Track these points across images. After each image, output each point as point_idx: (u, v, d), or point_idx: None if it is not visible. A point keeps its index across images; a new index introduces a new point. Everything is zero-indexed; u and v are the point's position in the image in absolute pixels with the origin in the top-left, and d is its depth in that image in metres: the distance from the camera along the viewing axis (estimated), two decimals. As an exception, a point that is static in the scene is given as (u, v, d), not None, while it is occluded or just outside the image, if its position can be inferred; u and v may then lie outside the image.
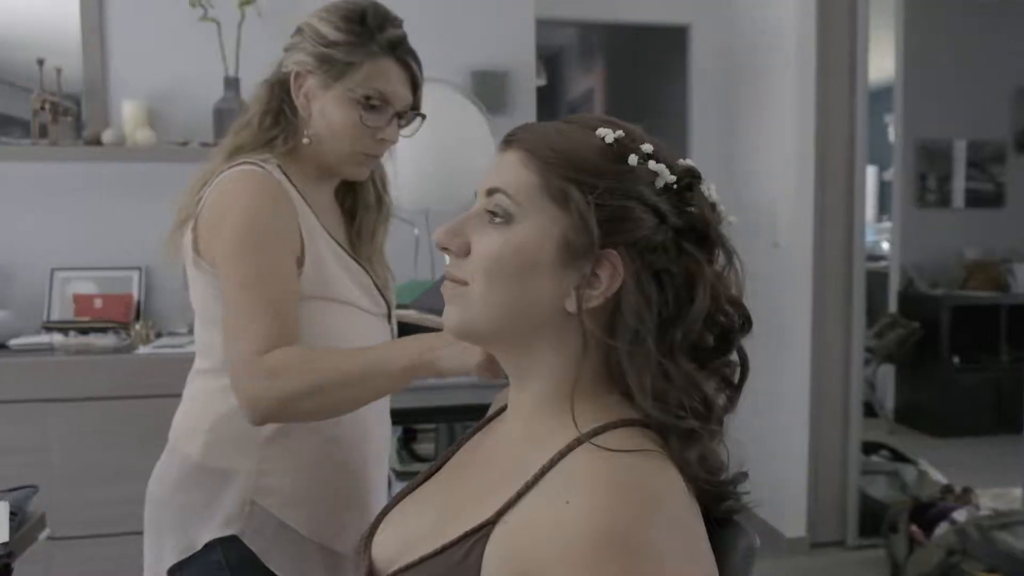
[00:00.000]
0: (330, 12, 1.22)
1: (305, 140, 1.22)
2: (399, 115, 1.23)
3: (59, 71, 2.54)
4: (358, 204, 1.33)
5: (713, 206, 0.76)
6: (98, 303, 2.58)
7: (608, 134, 0.74)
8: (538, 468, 0.71)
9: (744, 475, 0.78)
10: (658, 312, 0.72)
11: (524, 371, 0.79)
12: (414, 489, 0.91)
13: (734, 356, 0.79)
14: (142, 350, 2.35)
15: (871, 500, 3.18)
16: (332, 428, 1.17)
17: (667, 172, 0.74)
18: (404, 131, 1.26)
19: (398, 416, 1.47)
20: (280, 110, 1.23)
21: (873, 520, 3.09)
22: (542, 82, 5.06)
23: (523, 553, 0.66)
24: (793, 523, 3.11)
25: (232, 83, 2.56)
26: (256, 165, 1.16)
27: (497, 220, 0.75)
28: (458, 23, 2.79)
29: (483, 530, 0.70)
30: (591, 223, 0.71)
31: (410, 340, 1.01)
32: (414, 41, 1.26)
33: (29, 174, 2.62)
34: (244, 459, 1.16)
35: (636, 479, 0.67)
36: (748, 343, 0.79)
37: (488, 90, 2.77)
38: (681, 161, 0.77)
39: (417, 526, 0.81)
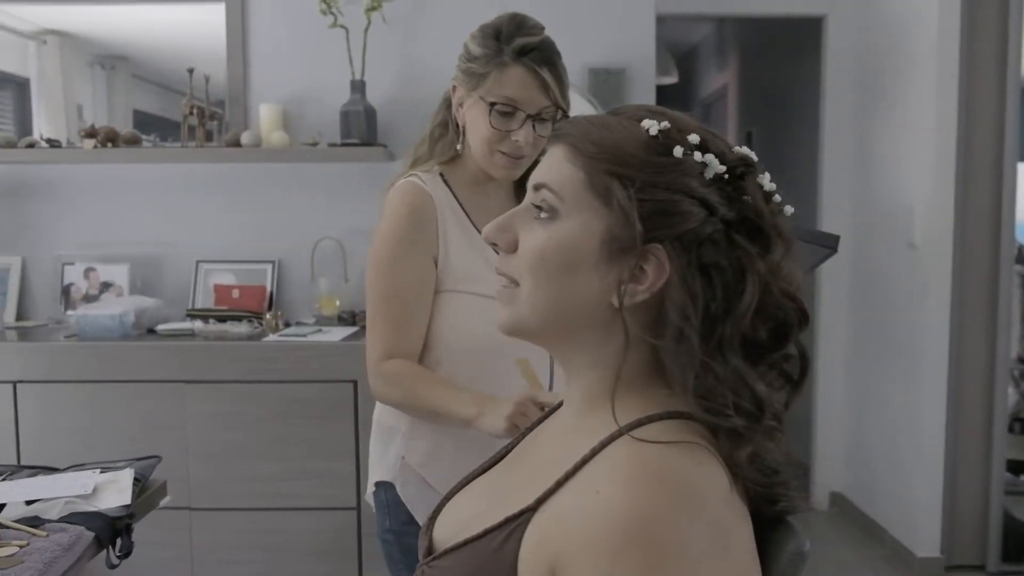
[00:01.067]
0: (479, 29, 1.35)
1: (458, 147, 1.37)
2: (532, 117, 1.30)
3: (207, 79, 2.76)
4: None
5: (768, 196, 0.74)
6: (235, 293, 2.78)
7: (653, 125, 0.73)
8: (579, 459, 0.72)
9: (802, 468, 0.75)
10: (706, 307, 0.70)
11: (573, 365, 0.79)
12: (477, 476, 0.94)
13: (794, 351, 0.76)
14: (270, 338, 2.51)
15: (1017, 523, 2.94)
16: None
17: (716, 162, 0.71)
18: (542, 131, 1.32)
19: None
20: (446, 122, 1.40)
21: (1018, 544, 2.86)
22: (672, 79, 5.00)
23: (552, 542, 0.67)
24: (926, 543, 2.92)
25: (358, 86, 2.69)
26: (415, 177, 1.36)
27: (543, 216, 0.75)
28: (576, 19, 2.80)
29: (522, 516, 0.71)
30: (633, 217, 0.70)
31: (470, 397, 1.25)
32: None
33: (180, 174, 2.85)
34: (401, 421, 1.38)
35: (670, 471, 0.65)
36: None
37: (605, 87, 2.76)
38: (737, 149, 0.75)
39: (471, 511, 0.83)
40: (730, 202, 0.72)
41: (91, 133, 2.70)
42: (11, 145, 2.67)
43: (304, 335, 2.52)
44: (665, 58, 4.76)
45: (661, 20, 4.52)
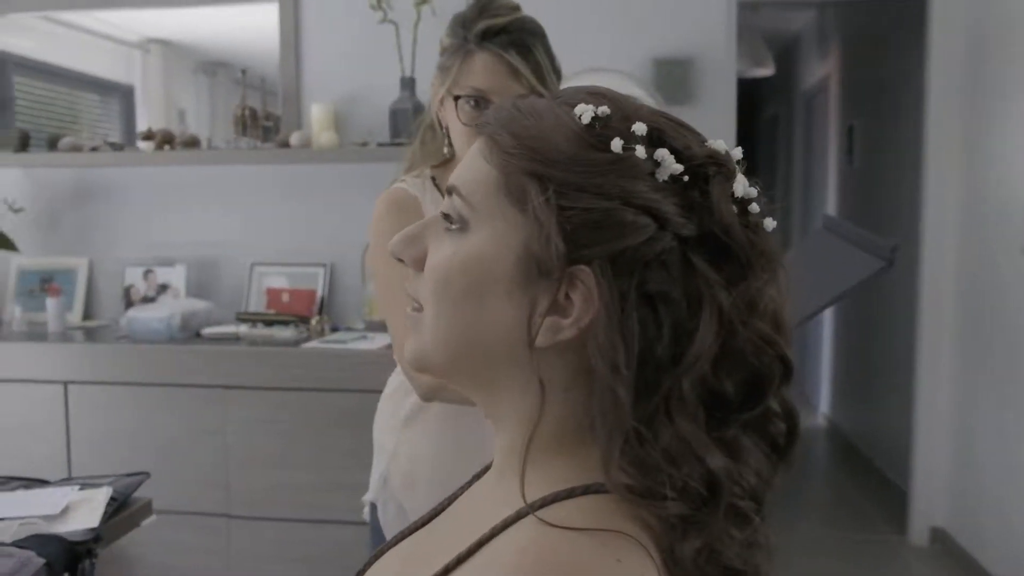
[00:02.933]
0: (452, 19, 1.25)
1: (445, 149, 1.29)
2: None
3: (262, 80, 2.73)
4: None
5: (741, 205, 0.57)
6: (285, 297, 2.74)
7: (587, 111, 0.56)
8: (479, 537, 0.57)
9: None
10: (645, 352, 0.53)
11: (495, 415, 0.63)
12: (408, 535, 0.79)
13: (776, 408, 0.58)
14: (310, 344, 2.44)
15: None
16: (455, 426, 1.26)
17: (671, 159, 0.55)
18: None
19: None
20: (434, 124, 1.32)
21: None
22: (767, 71, 4.68)
23: None
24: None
25: (408, 83, 2.59)
26: (402, 183, 1.31)
27: (453, 226, 0.60)
28: (640, 6, 2.60)
29: None
30: (549, 230, 0.54)
31: None
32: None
33: (236, 176, 2.83)
34: (389, 438, 1.32)
35: (575, 570, 0.50)
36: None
37: (670, 80, 2.55)
38: (711, 144, 0.58)
39: (389, 573, 0.70)
40: (690, 213, 0.55)
41: (149, 136, 2.72)
42: (77, 149, 2.72)
43: (345, 342, 2.44)
44: (759, 48, 4.46)
45: (755, 8, 4.24)
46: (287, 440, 2.37)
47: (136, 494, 1.47)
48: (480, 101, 1.19)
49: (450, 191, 0.61)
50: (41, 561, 1.19)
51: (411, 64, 2.59)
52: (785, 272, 0.61)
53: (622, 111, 0.57)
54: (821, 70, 4.67)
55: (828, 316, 4.71)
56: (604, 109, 0.56)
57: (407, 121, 2.56)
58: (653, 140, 0.56)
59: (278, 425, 2.38)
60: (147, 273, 2.83)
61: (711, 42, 2.61)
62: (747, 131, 6.18)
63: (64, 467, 2.43)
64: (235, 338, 2.52)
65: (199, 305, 2.63)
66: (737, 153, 0.60)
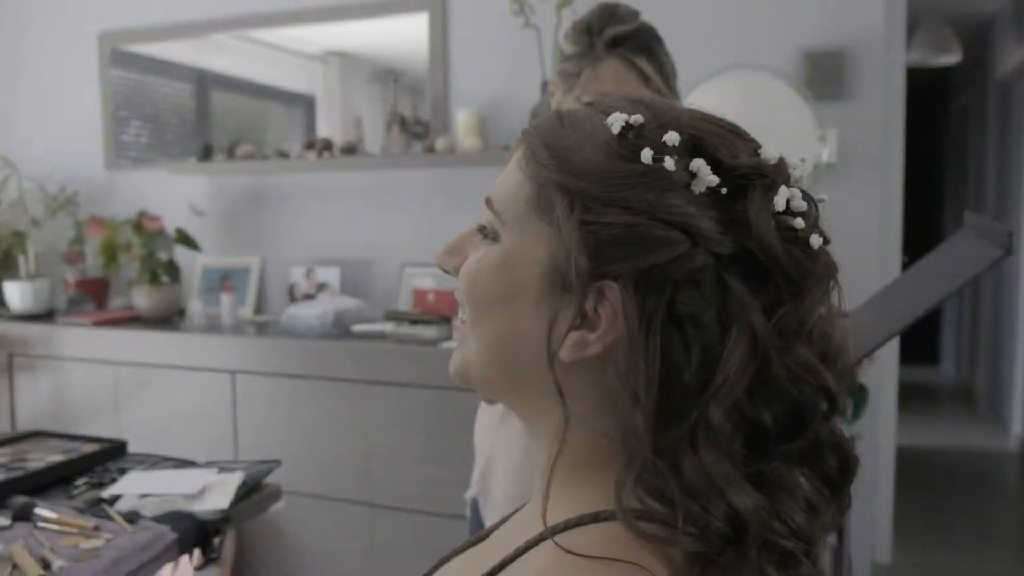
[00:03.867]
0: (572, 26, 1.25)
1: None
2: None
3: (413, 89, 2.84)
4: None
5: (781, 220, 0.52)
6: (431, 297, 2.83)
7: (618, 120, 0.54)
8: (505, 557, 0.57)
9: None
10: (670, 377, 0.51)
11: (533, 431, 0.63)
12: (471, 546, 0.81)
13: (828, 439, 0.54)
14: (449, 344, 2.51)
15: None
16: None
17: (707, 170, 0.52)
18: None
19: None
20: None
21: None
22: (953, 59, 4.29)
23: None
24: None
25: (547, 87, 2.60)
26: None
27: (488, 239, 0.60)
28: None
29: None
30: (570, 244, 0.53)
31: None
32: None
33: (388, 180, 2.97)
34: (487, 435, 1.35)
35: None
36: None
37: (823, 74, 2.40)
38: (764, 152, 0.54)
39: None
40: (727, 229, 0.51)
41: (310, 145, 2.90)
42: (250, 157, 2.96)
43: (481, 342, 2.49)
44: (943, 33, 4.09)
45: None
46: (426, 436, 2.45)
47: (277, 480, 1.59)
48: None
49: (486, 202, 0.61)
50: (174, 536, 1.31)
51: (552, 68, 2.60)
52: (839, 294, 0.57)
53: (659, 119, 0.54)
54: (1019, 55, 4.22)
55: None
56: (637, 117, 0.54)
57: (547, 124, 2.58)
58: (691, 150, 0.53)
59: (418, 421, 2.46)
60: (308, 272, 3.02)
61: (870, 30, 2.43)
62: (931, 124, 5.70)
63: (231, 449, 2.64)
64: (382, 336, 2.64)
65: (351, 303, 2.78)
66: (795, 163, 0.57)
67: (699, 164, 0.52)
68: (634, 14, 1.21)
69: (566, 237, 0.53)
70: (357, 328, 2.68)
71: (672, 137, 0.53)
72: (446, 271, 0.66)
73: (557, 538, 0.52)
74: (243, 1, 3.03)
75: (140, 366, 2.75)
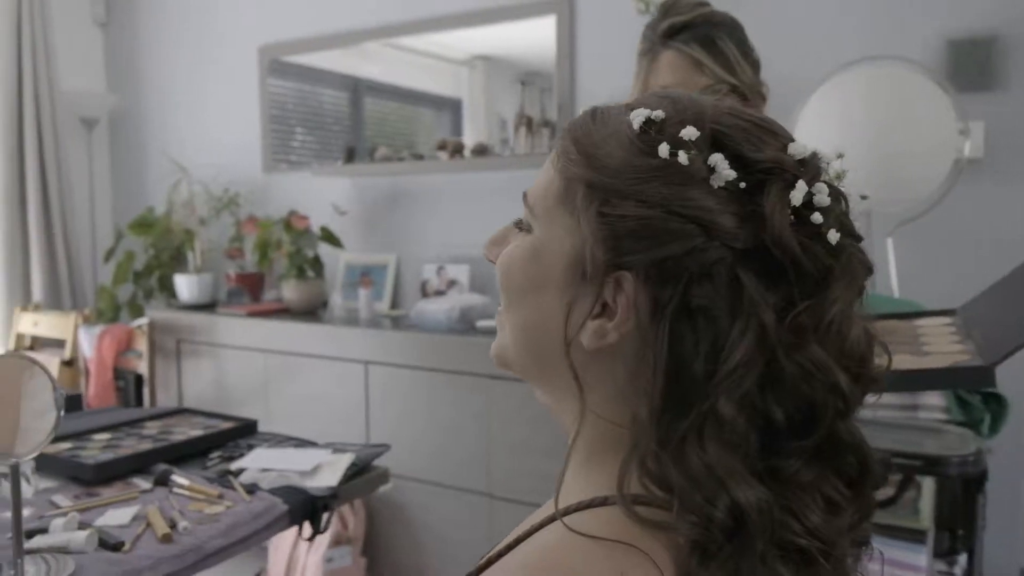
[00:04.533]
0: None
1: None
2: None
3: (542, 91, 2.90)
4: None
5: (798, 214, 0.53)
6: (554, 295, 2.88)
7: (638, 116, 0.56)
8: (519, 535, 0.62)
9: None
10: (677, 368, 0.53)
11: (557, 418, 0.67)
12: None
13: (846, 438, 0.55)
14: (567, 341, 2.55)
15: None
16: None
17: (725, 165, 0.53)
18: None
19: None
20: None
21: None
22: None
23: None
24: None
25: (673, 85, 2.59)
26: None
27: (523, 232, 0.64)
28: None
29: None
30: (588, 235, 0.56)
31: None
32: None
33: (516, 180, 3.04)
34: None
35: (572, 574, 0.51)
36: None
37: (969, 63, 2.24)
38: (794, 147, 0.55)
39: None
40: (744, 224, 0.52)
41: (443, 146, 3.02)
42: (388, 159, 3.12)
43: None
44: None
45: None
46: (546, 431, 2.50)
47: (403, 467, 1.69)
48: None
49: (523, 197, 0.65)
50: (285, 508, 1.43)
51: (677, 65, 2.58)
52: (863, 291, 0.57)
53: (680, 115, 0.56)
54: None
55: None
56: (659, 113, 0.56)
57: (671, 123, 2.56)
58: (712, 144, 0.55)
59: (538, 416, 2.52)
60: (440, 269, 3.15)
61: (1017, 13, 2.24)
62: None
63: (363, 434, 2.81)
64: (504, 331, 2.71)
65: (476, 299, 2.87)
66: (829, 158, 0.57)
67: (717, 159, 0.53)
68: (695, 4, 1.19)
69: (584, 229, 0.56)
70: (481, 323, 2.77)
71: (690, 132, 0.54)
72: (492, 261, 0.70)
73: (566, 519, 0.55)
74: (391, 11, 3.19)
75: (286, 354, 2.97)
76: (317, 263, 3.21)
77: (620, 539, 0.52)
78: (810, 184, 0.54)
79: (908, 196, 2.12)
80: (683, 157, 0.54)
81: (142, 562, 1.20)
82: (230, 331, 3.12)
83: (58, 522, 1.27)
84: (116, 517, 1.34)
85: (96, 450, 1.62)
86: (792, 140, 0.57)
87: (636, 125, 0.56)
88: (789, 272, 0.52)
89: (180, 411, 1.94)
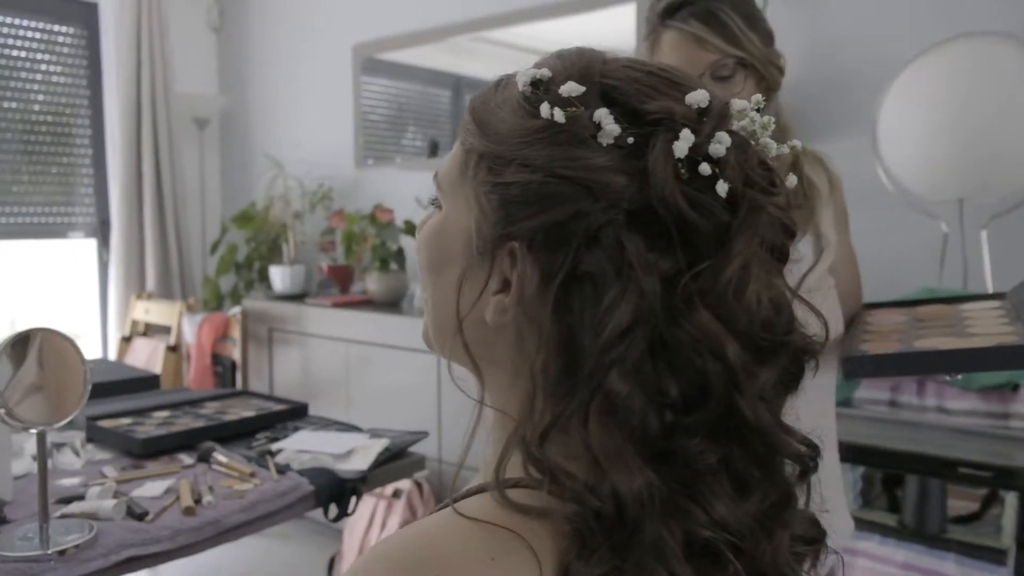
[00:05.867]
0: None
1: None
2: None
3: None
4: None
5: (679, 166, 0.48)
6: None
7: (521, 77, 0.53)
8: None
9: None
10: (569, 339, 0.49)
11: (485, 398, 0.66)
12: None
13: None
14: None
15: None
16: None
17: (609, 120, 0.49)
18: (723, 90, 1.10)
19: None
20: None
21: None
22: None
23: None
24: None
25: (752, 71, 2.47)
26: None
27: (438, 209, 0.63)
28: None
29: None
30: (474, 204, 0.54)
31: None
32: None
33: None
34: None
35: (439, 554, 0.47)
36: None
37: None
38: (689, 97, 0.50)
39: None
40: (634, 181, 0.48)
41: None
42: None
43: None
44: None
45: None
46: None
47: (469, 457, 1.69)
48: None
49: (434, 175, 0.63)
50: (311, 488, 1.46)
51: (757, 51, 2.46)
52: (781, 249, 0.53)
53: (567, 71, 0.53)
54: None
55: None
56: (544, 71, 0.53)
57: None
58: (602, 99, 0.51)
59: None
60: (518, 263, 3.14)
61: None
62: None
63: (435, 424, 2.84)
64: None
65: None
66: (743, 106, 0.53)
67: (602, 114, 0.49)
68: None
69: (472, 199, 0.54)
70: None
71: (570, 87, 0.50)
72: None
73: (464, 501, 0.53)
74: (479, 5, 3.19)
75: (367, 344, 3.04)
76: (400, 255, 3.27)
77: (500, 523, 0.49)
78: (710, 134, 0.49)
79: (1003, 187, 1.94)
80: (559, 115, 0.50)
81: (161, 532, 1.25)
82: (317, 321, 3.22)
83: (94, 490, 1.35)
84: (152, 489, 1.41)
85: (152, 426, 1.70)
86: (697, 88, 0.52)
87: (521, 86, 0.53)
88: (676, 231, 0.48)
89: (241, 393, 2.02)
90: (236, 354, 3.36)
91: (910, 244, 2.19)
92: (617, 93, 0.51)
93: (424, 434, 1.73)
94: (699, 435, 0.48)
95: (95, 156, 3.86)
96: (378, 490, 2.63)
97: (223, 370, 3.41)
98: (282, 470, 1.51)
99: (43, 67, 3.70)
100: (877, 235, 2.15)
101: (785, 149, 0.57)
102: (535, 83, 0.53)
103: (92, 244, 3.91)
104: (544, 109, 0.50)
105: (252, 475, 1.48)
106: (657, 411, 0.48)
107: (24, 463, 1.52)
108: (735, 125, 0.54)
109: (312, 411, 1.90)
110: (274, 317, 3.37)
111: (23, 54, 3.64)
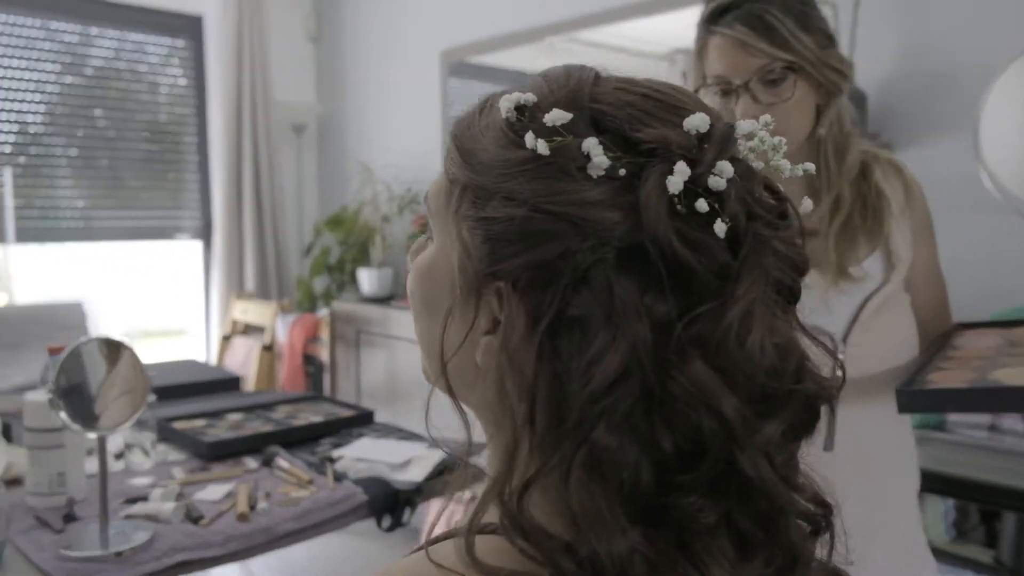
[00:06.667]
0: None
1: None
2: (744, 86, 1.05)
3: (685, 75, 2.75)
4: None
5: (675, 201, 0.44)
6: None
7: (504, 103, 0.49)
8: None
9: None
10: (557, 388, 0.45)
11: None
12: None
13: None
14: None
15: None
16: None
17: (599, 150, 0.45)
18: (769, 96, 1.04)
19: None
20: None
21: None
22: None
23: None
24: None
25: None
26: None
27: (429, 238, 0.58)
28: None
29: None
30: (459, 240, 0.50)
31: None
32: None
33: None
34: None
35: None
36: None
37: None
38: (688, 122, 0.46)
39: None
40: (627, 217, 0.45)
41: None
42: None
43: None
44: None
45: None
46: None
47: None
48: (727, 87, 1.08)
49: (424, 198, 0.61)
50: (364, 498, 1.47)
51: (849, 46, 2.33)
52: (791, 289, 0.48)
53: (555, 94, 0.49)
54: None
55: None
56: (529, 96, 0.49)
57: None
58: (593, 125, 0.47)
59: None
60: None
61: None
62: None
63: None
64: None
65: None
66: (746, 129, 0.49)
67: (591, 144, 0.45)
68: None
69: (455, 233, 0.52)
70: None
71: (555, 116, 0.47)
72: None
73: (439, 545, 0.51)
74: (569, 5, 3.16)
75: (448, 348, 3.06)
76: (482, 260, 3.27)
77: (459, 570, 0.47)
78: (711, 164, 0.45)
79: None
80: (542, 146, 0.47)
81: (214, 537, 1.28)
82: (400, 324, 3.26)
83: (157, 492, 1.40)
84: (213, 492, 1.45)
85: (223, 429, 1.76)
86: (700, 111, 0.48)
87: (504, 113, 0.50)
88: (670, 274, 0.44)
89: (313, 398, 2.06)
90: (325, 355, 3.44)
91: (1016, 254, 2.02)
92: (608, 119, 0.47)
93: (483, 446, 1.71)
94: (696, 493, 0.44)
95: (201, 162, 4.05)
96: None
97: (314, 370, 3.51)
98: (339, 478, 1.52)
99: (157, 78, 3.91)
100: (979, 244, 2.00)
101: (799, 171, 0.52)
102: (520, 108, 0.50)
103: (198, 246, 4.10)
104: (528, 139, 0.47)
105: (310, 482, 1.50)
106: (651, 466, 0.44)
107: (102, 462, 1.60)
108: (743, 147, 0.50)
109: (396, 414, 1.92)
110: (361, 319, 3.44)
111: (142, 68, 3.85)
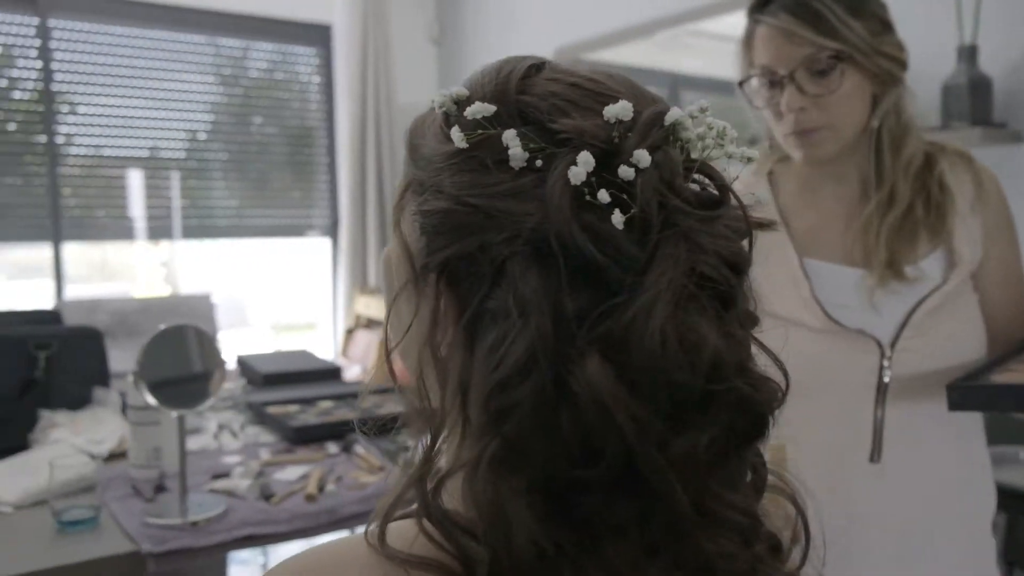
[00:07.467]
0: None
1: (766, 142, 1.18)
2: (790, 76, 1.02)
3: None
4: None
5: (584, 192, 0.44)
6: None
7: (437, 98, 0.51)
8: None
9: None
10: (468, 380, 0.46)
11: None
12: None
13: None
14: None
15: None
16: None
17: (516, 143, 0.45)
18: (816, 87, 1.01)
19: None
20: None
21: None
22: None
23: None
24: None
25: (966, 53, 2.16)
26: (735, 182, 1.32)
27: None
28: None
29: None
30: (402, 235, 0.53)
31: None
32: None
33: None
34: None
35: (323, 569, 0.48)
36: None
37: None
38: (609, 110, 0.46)
39: None
40: (540, 209, 0.45)
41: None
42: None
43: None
44: None
45: None
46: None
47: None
48: (773, 78, 1.05)
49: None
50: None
51: (972, 28, 2.15)
52: (668, 293, 0.44)
53: (484, 88, 0.51)
54: None
55: None
56: (461, 91, 0.52)
57: (962, 100, 2.15)
58: (521, 117, 0.48)
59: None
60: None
61: None
62: None
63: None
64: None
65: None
66: (679, 116, 0.49)
67: (509, 136, 0.46)
68: None
69: (405, 226, 0.54)
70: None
71: (476, 109, 0.48)
72: None
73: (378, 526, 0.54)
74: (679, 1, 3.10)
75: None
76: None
77: (406, 557, 0.49)
78: (628, 152, 0.45)
79: None
80: (460, 139, 0.49)
81: (281, 515, 1.36)
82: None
83: (239, 469, 1.50)
84: (291, 473, 1.54)
85: (312, 415, 1.86)
86: (629, 99, 0.47)
87: (437, 108, 0.52)
88: (572, 267, 0.44)
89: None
90: (437, 349, 3.54)
91: None
92: (531, 110, 0.48)
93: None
94: (601, 491, 0.44)
95: (330, 163, 4.26)
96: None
97: (428, 363, 3.61)
98: (408, 466, 1.58)
99: (294, 86, 4.17)
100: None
101: (753, 153, 0.51)
102: (457, 102, 0.51)
103: (327, 243, 4.32)
104: (454, 134, 0.48)
105: (381, 468, 1.56)
106: (561, 462, 0.44)
107: (201, 439, 1.73)
108: (690, 134, 0.49)
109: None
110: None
111: (280, 75, 4.11)
